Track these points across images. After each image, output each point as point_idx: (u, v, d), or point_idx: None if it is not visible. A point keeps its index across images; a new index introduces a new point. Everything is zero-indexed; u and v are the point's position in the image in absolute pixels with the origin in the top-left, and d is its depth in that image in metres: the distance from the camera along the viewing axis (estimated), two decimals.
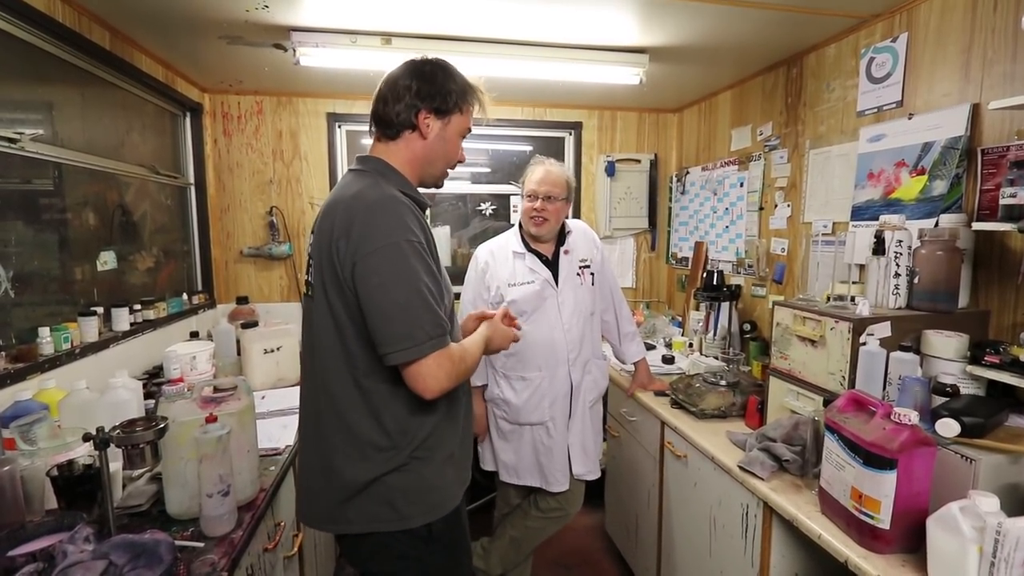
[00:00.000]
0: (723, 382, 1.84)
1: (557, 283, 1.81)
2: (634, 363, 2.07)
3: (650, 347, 2.55)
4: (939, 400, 1.22)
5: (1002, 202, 1.26)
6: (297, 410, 1.77)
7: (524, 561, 1.99)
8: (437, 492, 1.10)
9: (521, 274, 1.79)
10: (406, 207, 1.03)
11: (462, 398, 1.18)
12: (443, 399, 1.09)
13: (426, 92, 1.09)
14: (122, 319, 1.90)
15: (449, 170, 1.21)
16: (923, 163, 1.61)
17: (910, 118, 1.66)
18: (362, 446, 1.05)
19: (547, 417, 1.79)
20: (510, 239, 1.86)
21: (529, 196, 1.78)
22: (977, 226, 1.35)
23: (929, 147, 1.59)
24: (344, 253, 0.98)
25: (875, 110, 1.79)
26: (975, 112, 1.48)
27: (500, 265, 1.82)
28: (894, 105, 1.72)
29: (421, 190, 1.18)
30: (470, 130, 1.19)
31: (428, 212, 1.22)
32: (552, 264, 1.83)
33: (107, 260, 1.96)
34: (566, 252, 1.84)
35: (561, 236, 1.86)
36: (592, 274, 1.87)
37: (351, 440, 1.05)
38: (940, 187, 1.56)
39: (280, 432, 1.60)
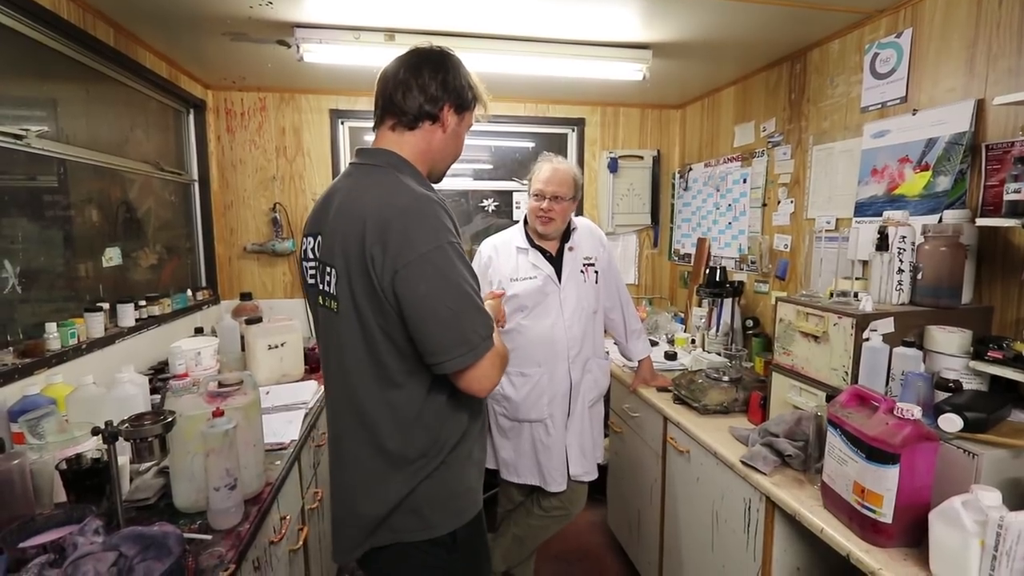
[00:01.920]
0: (726, 378, 1.85)
1: (560, 280, 1.81)
2: (639, 360, 2.07)
3: (652, 343, 2.55)
4: (942, 395, 1.22)
5: (1006, 198, 1.26)
6: (302, 405, 1.80)
7: (527, 558, 2.00)
8: (460, 497, 1.07)
9: (524, 269, 1.80)
10: (438, 205, 0.98)
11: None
12: (470, 400, 1.07)
13: (452, 86, 1.04)
14: (127, 315, 1.91)
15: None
16: (927, 159, 1.61)
17: (914, 114, 1.66)
18: (395, 461, 1.01)
19: (546, 414, 1.79)
20: (514, 235, 1.87)
21: (536, 195, 1.77)
22: (981, 222, 1.34)
23: (933, 143, 1.59)
24: (381, 262, 0.91)
25: (879, 106, 1.79)
26: (980, 108, 1.47)
27: (503, 260, 1.83)
28: (898, 101, 1.72)
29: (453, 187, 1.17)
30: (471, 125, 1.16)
31: None
32: (556, 261, 1.84)
33: (112, 256, 1.97)
34: (570, 249, 1.84)
35: (566, 233, 1.86)
36: (596, 272, 1.87)
37: (383, 457, 1.01)
38: (944, 183, 1.55)
39: (285, 427, 1.61)
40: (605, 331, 2.00)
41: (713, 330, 2.46)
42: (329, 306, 1.03)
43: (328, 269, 1.01)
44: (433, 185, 1.11)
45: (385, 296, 0.93)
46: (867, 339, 1.34)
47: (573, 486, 1.85)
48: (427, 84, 1.02)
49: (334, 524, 1.11)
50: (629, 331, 2.02)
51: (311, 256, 1.06)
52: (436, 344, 0.93)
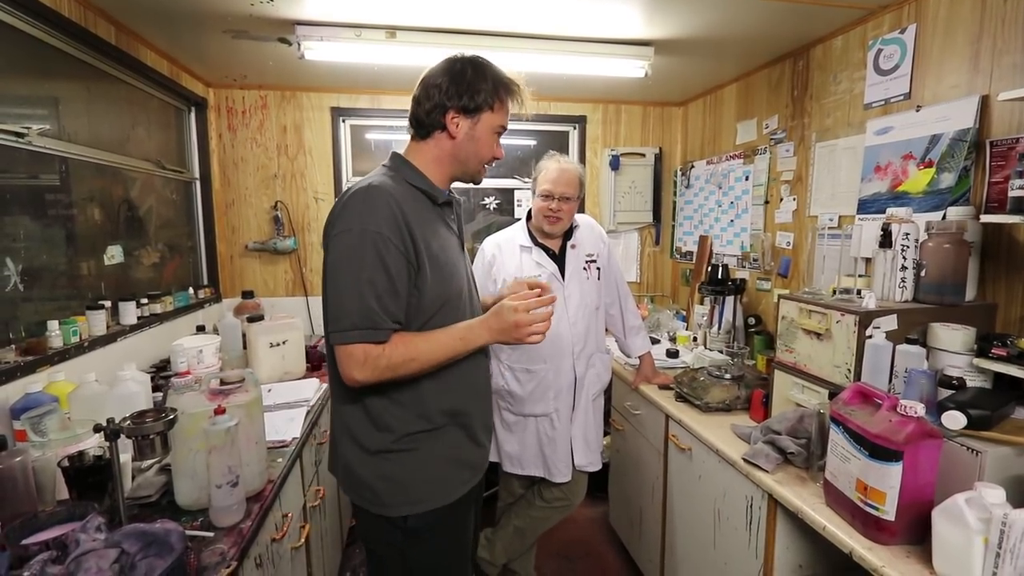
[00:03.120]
0: (728, 376, 1.84)
1: (564, 277, 1.81)
2: (639, 357, 2.07)
3: (654, 341, 2.54)
4: (945, 393, 1.22)
5: (1011, 194, 1.26)
6: (303, 403, 1.81)
7: (528, 551, 2.01)
8: (421, 487, 1.10)
9: (528, 268, 1.80)
10: (392, 198, 1.02)
11: (470, 397, 1.18)
12: (444, 396, 1.10)
13: (454, 91, 1.08)
14: (129, 313, 1.92)
15: (486, 166, 1.20)
16: (931, 155, 1.60)
17: (918, 110, 1.65)
18: (355, 430, 1.10)
19: (551, 409, 1.81)
20: (517, 233, 1.87)
21: (544, 195, 1.77)
22: (985, 219, 1.34)
23: (937, 139, 1.58)
24: (325, 236, 1.06)
25: (882, 102, 1.78)
26: (984, 104, 1.47)
27: (507, 258, 1.83)
28: (902, 97, 1.71)
29: (458, 185, 1.21)
30: (505, 127, 1.17)
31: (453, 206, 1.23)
32: (559, 258, 1.84)
33: (114, 254, 1.97)
34: (573, 246, 1.85)
35: (568, 230, 1.86)
36: (598, 268, 1.88)
37: (349, 421, 1.11)
38: (948, 180, 1.55)
39: (287, 425, 1.61)
40: (605, 327, 2.00)
41: (715, 328, 2.46)
42: None
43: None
44: (471, 185, 1.25)
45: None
46: (870, 336, 1.33)
47: (576, 476, 1.87)
48: (431, 94, 1.09)
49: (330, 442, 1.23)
50: (628, 327, 2.02)
51: None
52: (326, 313, 1.03)
